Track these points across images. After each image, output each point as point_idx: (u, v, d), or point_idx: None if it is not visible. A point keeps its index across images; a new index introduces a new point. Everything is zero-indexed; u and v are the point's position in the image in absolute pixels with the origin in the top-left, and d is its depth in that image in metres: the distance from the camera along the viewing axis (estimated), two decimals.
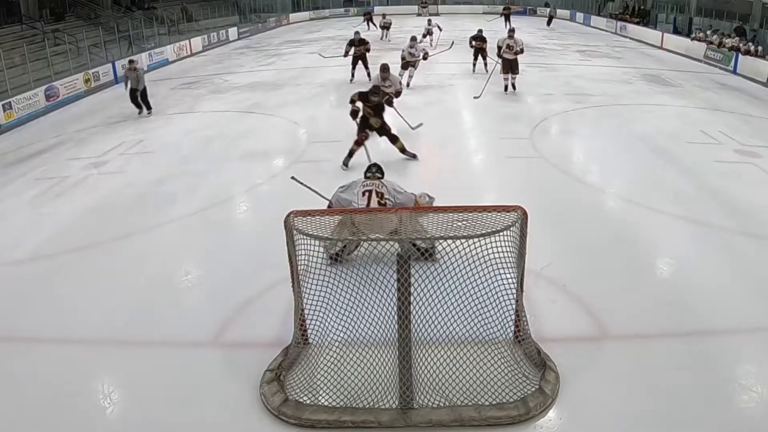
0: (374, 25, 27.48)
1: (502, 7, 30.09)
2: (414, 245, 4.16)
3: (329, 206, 5.14)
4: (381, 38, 23.04)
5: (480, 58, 14.30)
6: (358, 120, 7.61)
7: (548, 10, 31.54)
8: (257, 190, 7.20)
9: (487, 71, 13.58)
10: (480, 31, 14.32)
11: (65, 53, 15.25)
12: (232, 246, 5.63)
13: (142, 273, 5.18)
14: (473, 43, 14.23)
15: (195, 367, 3.90)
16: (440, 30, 20.57)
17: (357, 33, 13.57)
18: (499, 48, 11.91)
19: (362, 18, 29.43)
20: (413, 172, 7.53)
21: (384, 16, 25.47)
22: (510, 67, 11.92)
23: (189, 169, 8.03)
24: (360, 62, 13.25)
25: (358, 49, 13.18)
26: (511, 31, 11.93)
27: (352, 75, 13.45)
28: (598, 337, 4.13)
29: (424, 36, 20.05)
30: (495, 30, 25.03)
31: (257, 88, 13.80)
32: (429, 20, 22.15)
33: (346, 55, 13.37)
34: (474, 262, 3.41)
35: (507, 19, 26.96)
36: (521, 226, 3.55)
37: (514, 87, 12.14)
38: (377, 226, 3.83)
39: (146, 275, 5.14)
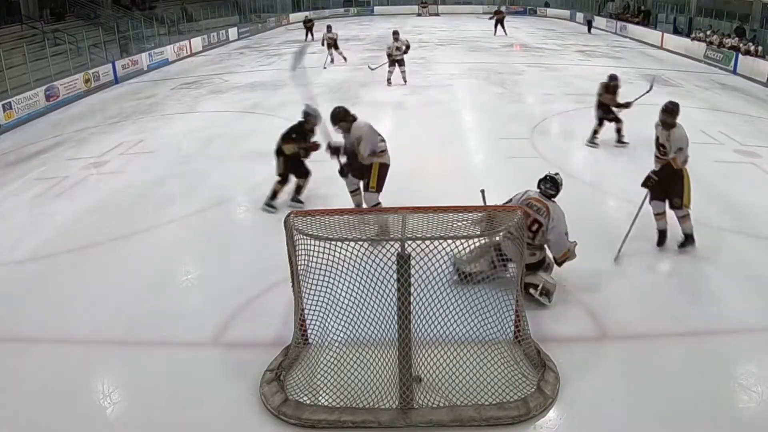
0: (312, 35, 22.18)
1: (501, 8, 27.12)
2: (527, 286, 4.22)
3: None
4: (325, 65, 15.82)
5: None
6: None
7: (583, 15, 28.58)
8: (257, 190, 7.18)
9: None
10: None
11: (65, 53, 15.27)
12: (232, 246, 5.63)
13: (142, 273, 5.18)
14: None
15: (195, 367, 3.90)
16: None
17: None
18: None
19: (303, 27, 23.26)
20: (414, 172, 7.52)
21: (329, 28, 16.70)
22: None
23: (189, 169, 8.02)
24: None
25: None
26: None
27: None
28: (598, 337, 4.14)
29: (394, 61, 12.70)
30: (489, 30, 24.89)
31: (257, 88, 13.79)
32: (395, 33, 12.94)
33: None
34: None
35: (499, 24, 23.90)
36: (521, 226, 3.55)
37: None
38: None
39: (146, 275, 5.14)
